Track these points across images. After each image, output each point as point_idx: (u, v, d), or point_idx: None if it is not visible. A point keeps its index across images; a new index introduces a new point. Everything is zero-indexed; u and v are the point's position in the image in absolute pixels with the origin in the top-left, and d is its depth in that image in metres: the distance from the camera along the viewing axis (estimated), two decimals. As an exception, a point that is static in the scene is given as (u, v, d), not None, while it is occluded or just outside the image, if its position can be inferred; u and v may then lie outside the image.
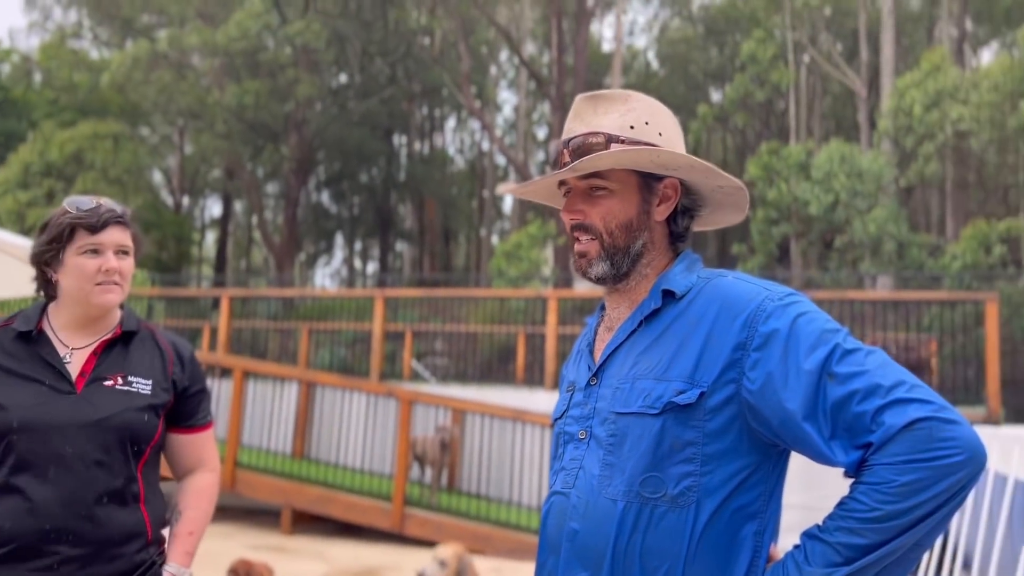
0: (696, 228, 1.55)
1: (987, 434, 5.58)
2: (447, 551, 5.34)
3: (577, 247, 1.47)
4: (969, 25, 24.50)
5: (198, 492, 2.11)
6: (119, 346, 1.99)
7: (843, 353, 1.26)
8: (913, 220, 17.93)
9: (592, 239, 1.45)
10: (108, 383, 1.93)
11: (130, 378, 1.95)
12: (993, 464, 5.09)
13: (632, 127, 1.45)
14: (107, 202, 1.96)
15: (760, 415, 1.29)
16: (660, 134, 1.46)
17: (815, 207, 15.11)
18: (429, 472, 9.14)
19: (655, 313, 1.42)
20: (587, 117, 1.47)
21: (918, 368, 8.74)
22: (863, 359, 1.25)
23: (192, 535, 2.05)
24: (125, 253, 1.96)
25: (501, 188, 1.60)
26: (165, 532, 2.03)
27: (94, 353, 1.95)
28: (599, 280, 1.46)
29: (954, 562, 5.15)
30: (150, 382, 1.97)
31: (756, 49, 21.92)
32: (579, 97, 1.50)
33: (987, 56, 31.24)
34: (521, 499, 8.79)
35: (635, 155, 1.41)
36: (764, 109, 27.98)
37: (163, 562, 1.98)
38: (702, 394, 1.30)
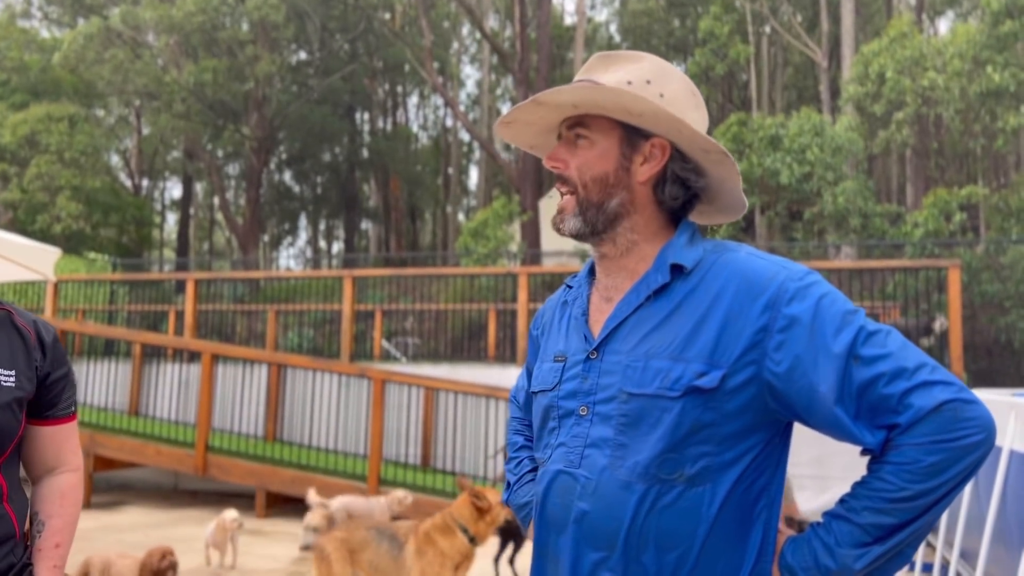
0: (699, 222, 1.50)
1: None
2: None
3: (559, 203, 1.44)
4: (926, -6, 24.75)
5: (62, 496, 1.86)
6: None
7: (867, 335, 1.25)
8: (874, 188, 18.14)
9: (570, 192, 1.41)
10: None
11: None
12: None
13: (630, 83, 1.38)
14: None
15: (784, 397, 1.27)
16: (661, 95, 1.38)
17: (786, 177, 15.10)
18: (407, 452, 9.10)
19: (663, 287, 1.36)
20: (592, 72, 1.42)
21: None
22: (884, 340, 1.25)
23: (59, 547, 1.82)
24: None
25: (498, 127, 1.50)
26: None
27: None
28: (573, 235, 1.42)
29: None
30: (13, 372, 1.74)
31: (713, 25, 21.91)
32: (595, 55, 1.45)
33: (943, 25, 31.62)
34: (496, 475, 8.82)
35: (596, 92, 1.34)
36: (726, 81, 28.08)
37: (29, 564, 1.77)
38: (723, 376, 1.27)
